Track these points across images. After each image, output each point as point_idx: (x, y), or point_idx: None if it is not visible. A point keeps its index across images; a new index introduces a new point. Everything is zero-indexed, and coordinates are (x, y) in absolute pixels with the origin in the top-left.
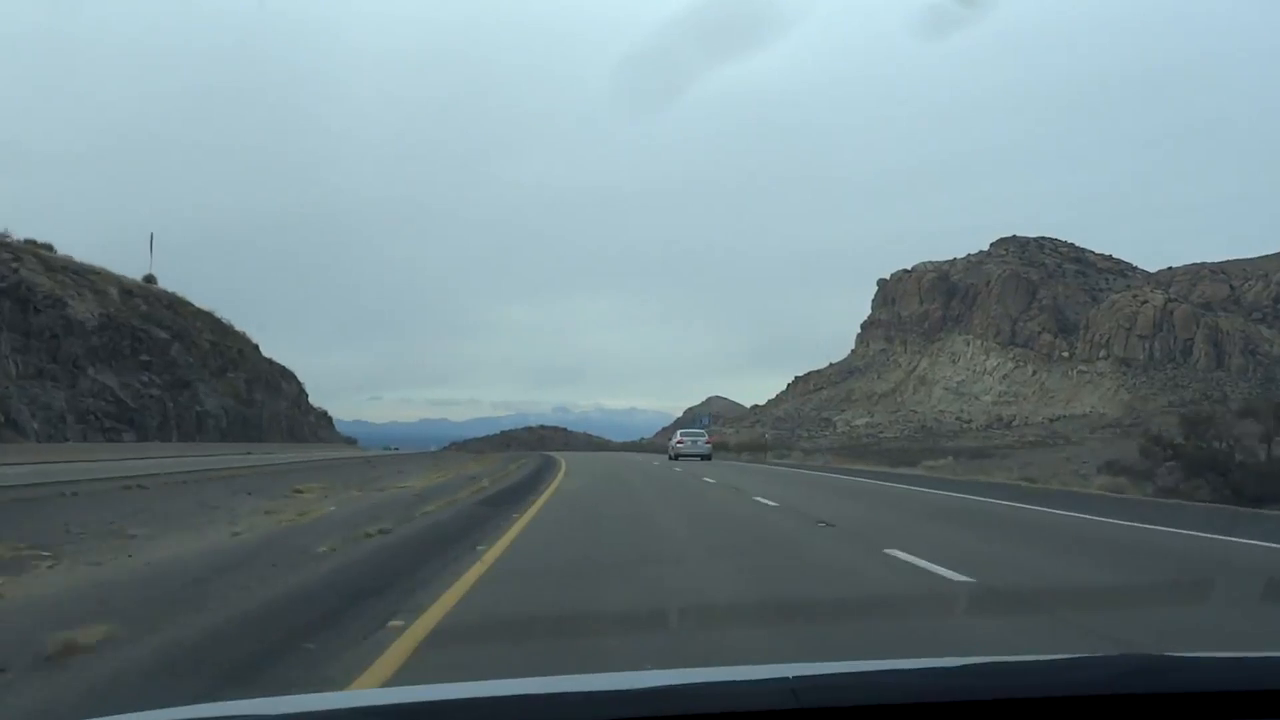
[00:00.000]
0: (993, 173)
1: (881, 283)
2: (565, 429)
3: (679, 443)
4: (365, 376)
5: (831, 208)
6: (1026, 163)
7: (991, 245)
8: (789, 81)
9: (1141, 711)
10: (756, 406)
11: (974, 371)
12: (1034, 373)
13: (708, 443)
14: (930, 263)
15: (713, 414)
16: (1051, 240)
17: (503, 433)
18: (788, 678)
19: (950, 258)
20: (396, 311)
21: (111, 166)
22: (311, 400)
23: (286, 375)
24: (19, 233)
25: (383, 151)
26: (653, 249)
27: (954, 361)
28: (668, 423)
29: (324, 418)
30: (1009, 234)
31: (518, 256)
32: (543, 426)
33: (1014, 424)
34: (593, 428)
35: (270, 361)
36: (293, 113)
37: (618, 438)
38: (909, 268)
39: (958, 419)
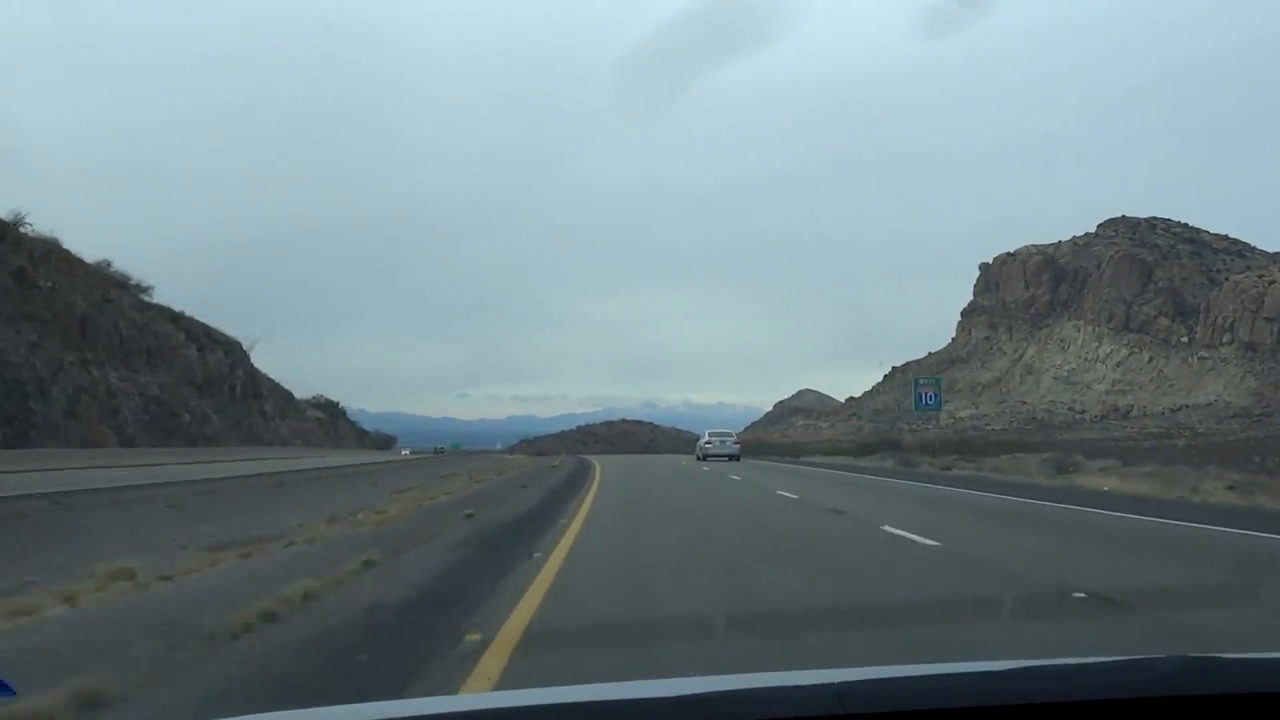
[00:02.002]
0: (1095, 153)
1: (984, 267)
2: (653, 424)
3: (707, 443)
4: (452, 374)
5: (923, 192)
6: (1131, 143)
7: (1099, 226)
8: (875, 62)
9: (1191, 714)
10: (851, 399)
11: (1085, 359)
12: (1150, 360)
13: (735, 443)
14: (1034, 246)
15: (802, 408)
16: (1164, 220)
17: (579, 429)
18: (834, 683)
19: (1055, 240)
20: (481, 310)
21: (195, 168)
22: (337, 395)
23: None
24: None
25: (456, 151)
26: (739, 240)
27: (1063, 349)
28: (757, 417)
29: (329, 412)
30: (1117, 214)
31: (602, 251)
32: (625, 421)
33: (1131, 414)
34: (680, 422)
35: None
36: (366, 115)
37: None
38: (1012, 251)
39: (1070, 409)
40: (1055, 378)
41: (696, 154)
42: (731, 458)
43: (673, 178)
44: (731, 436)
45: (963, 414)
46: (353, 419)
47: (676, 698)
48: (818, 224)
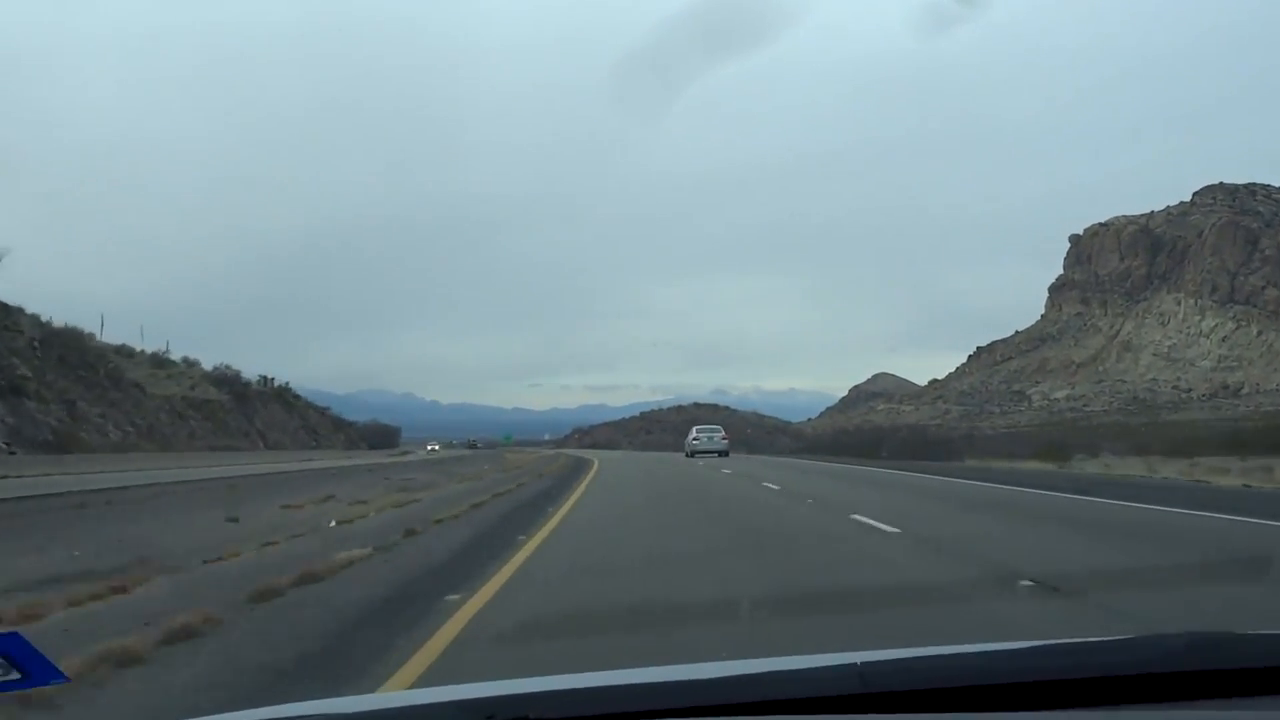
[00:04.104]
0: (1186, 122)
1: (1074, 239)
2: (729, 408)
3: (694, 439)
4: (523, 365)
5: (1000, 167)
6: (1225, 110)
7: (1195, 195)
8: (945, 36)
9: (1204, 687)
10: (935, 381)
11: (1187, 334)
12: (1259, 333)
13: (724, 439)
14: (1126, 216)
15: (879, 392)
16: (1264, 186)
17: (642, 415)
18: (855, 663)
19: (1148, 210)
20: (551, 300)
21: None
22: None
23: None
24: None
25: (519, 147)
26: (809, 222)
27: (1163, 323)
28: (831, 403)
29: (293, 407)
30: (1213, 181)
31: (671, 239)
32: (696, 406)
33: (1243, 392)
34: (750, 410)
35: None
36: (431, 113)
37: (778, 419)
38: (1104, 221)
39: (1174, 388)
40: (1155, 354)
41: (764, 135)
42: (720, 453)
43: (740, 161)
44: (720, 432)
45: (1058, 395)
46: (323, 406)
47: (703, 680)
48: (891, 205)
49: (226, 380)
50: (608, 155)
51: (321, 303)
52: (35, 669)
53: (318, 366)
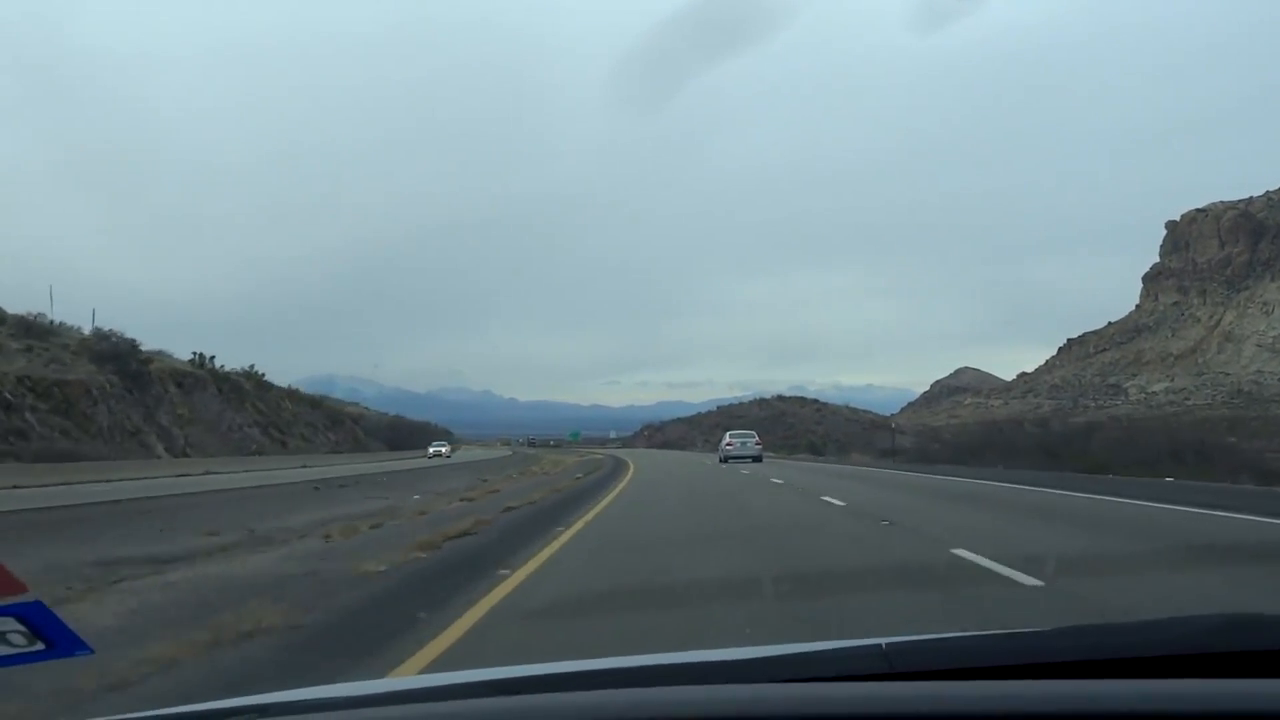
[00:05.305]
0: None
1: (1171, 225)
2: (818, 402)
3: (728, 445)
4: (602, 362)
5: (1084, 157)
6: None
7: None
8: (1019, 35)
9: (1226, 669)
10: (1024, 375)
11: None
12: None
13: (757, 444)
14: (1225, 201)
15: (962, 386)
16: None
17: (719, 409)
18: (880, 644)
19: (1247, 195)
20: (629, 298)
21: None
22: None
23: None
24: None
25: (596, 145)
26: (886, 217)
27: (1268, 313)
28: (912, 398)
29: (247, 396)
30: None
31: (747, 236)
32: (780, 399)
33: None
34: (843, 404)
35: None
36: (513, 113)
37: (872, 413)
38: (1202, 207)
39: None
40: (1260, 345)
41: (842, 132)
42: (754, 459)
43: (821, 158)
44: (754, 437)
45: (1156, 388)
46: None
47: (732, 661)
48: (971, 198)
49: (110, 355)
50: (684, 154)
51: (402, 303)
52: (59, 638)
53: (398, 366)
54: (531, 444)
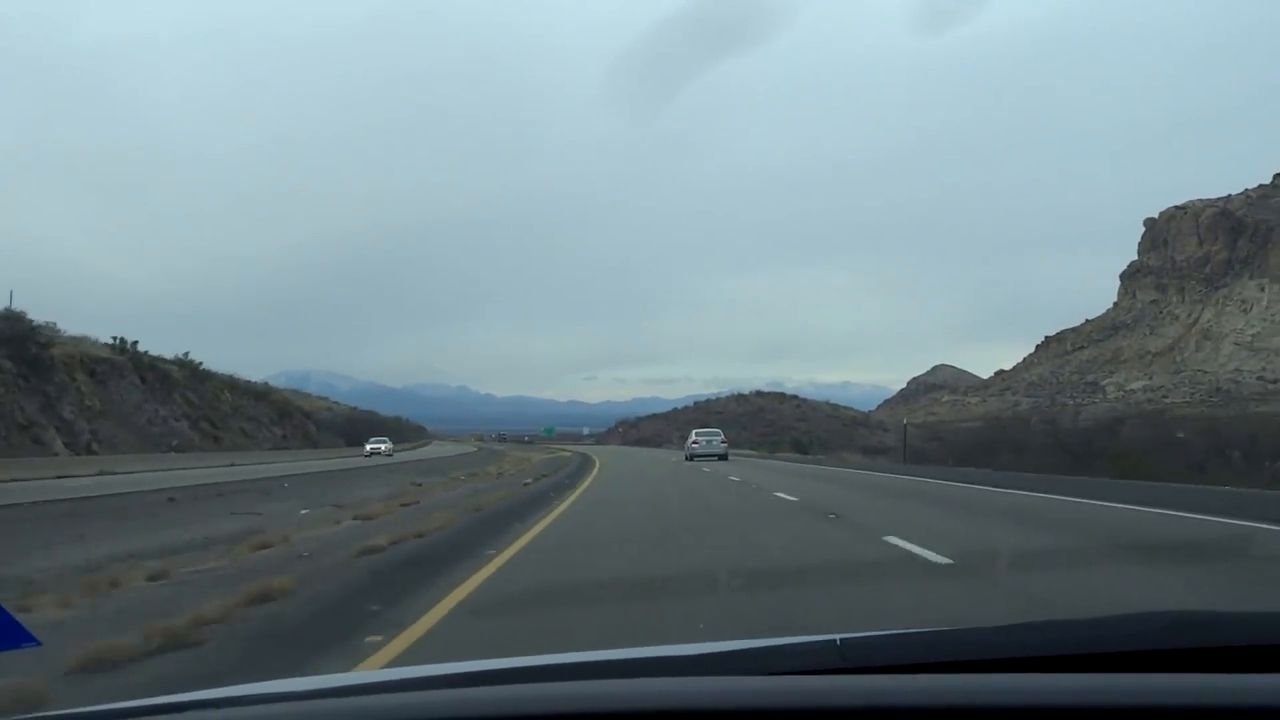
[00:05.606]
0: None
1: (1149, 223)
2: (798, 398)
3: (694, 443)
4: (579, 359)
5: (1062, 156)
6: None
7: (1276, 176)
8: (1006, 37)
9: (1176, 666)
10: (1001, 372)
11: (1273, 322)
12: None
13: (723, 442)
14: (1203, 199)
15: (939, 384)
16: None
17: (695, 405)
18: (834, 639)
19: (1226, 194)
20: (607, 296)
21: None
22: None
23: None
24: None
25: (581, 144)
26: (862, 216)
27: (1245, 311)
28: (888, 395)
29: (176, 385)
30: None
31: (725, 236)
32: (759, 395)
33: None
34: (823, 400)
35: None
36: (504, 109)
37: (853, 409)
38: (1181, 204)
39: (1260, 379)
40: (1238, 343)
41: (821, 134)
42: (720, 457)
43: (802, 158)
44: (719, 436)
45: (1134, 385)
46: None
47: (689, 656)
48: (948, 198)
49: (4, 338)
50: (670, 154)
51: (379, 299)
52: (4, 632)
53: (374, 361)
54: (502, 439)
